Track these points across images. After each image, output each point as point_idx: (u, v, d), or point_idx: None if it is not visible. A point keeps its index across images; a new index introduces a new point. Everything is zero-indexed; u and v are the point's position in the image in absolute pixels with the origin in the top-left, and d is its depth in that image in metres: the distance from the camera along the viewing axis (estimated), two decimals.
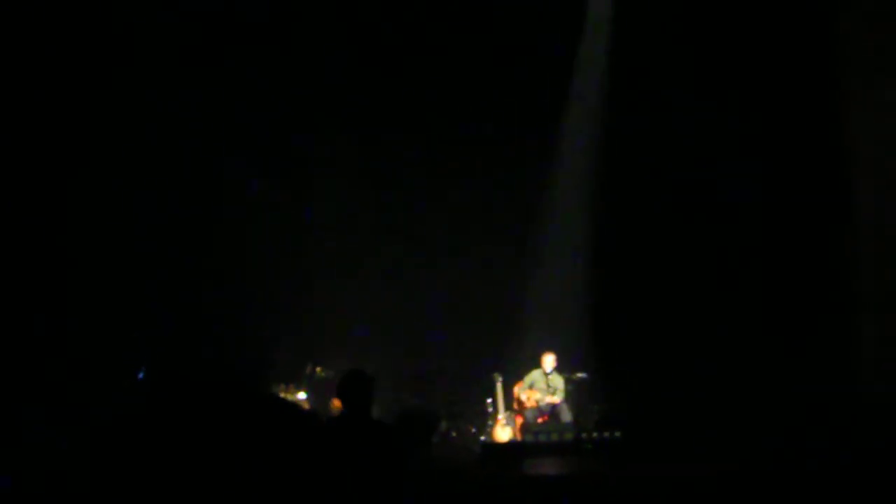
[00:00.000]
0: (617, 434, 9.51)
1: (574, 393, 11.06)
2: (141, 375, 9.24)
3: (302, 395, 10.51)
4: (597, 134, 11.97)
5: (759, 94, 10.74)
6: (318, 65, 11.51)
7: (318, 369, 11.04)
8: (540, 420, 10.73)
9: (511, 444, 10.38)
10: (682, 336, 10.75)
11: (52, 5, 9.91)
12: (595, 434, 9.58)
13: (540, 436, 10.01)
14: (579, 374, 11.11)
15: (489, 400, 11.09)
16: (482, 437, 11.01)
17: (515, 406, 11.01)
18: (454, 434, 11.24)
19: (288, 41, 11.31)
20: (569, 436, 9.83)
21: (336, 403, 10.64)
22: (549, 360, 11.03)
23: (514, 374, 11.15)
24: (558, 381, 10.97)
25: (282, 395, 10.33)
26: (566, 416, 10.69)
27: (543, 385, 10.97)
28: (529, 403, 10.89)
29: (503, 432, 10.69)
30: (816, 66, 10.36)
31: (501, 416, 10.80)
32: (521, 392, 11.01)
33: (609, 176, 11.77)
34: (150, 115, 10.42)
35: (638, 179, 11.44)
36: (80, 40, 10.10)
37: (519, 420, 10.86)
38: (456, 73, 11.56)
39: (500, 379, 10.94)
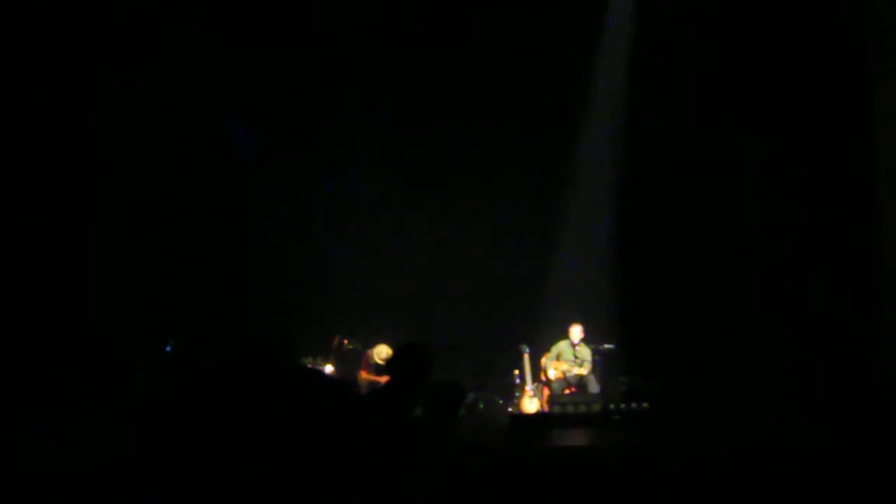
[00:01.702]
0: (644, 405, 9.51)
1: (601, 364, 11.04)
2: (169, 348, 9.35)
3: (329, 368, 10.57)
4: (625, 107, 11.92)
5: (783, 93, 10.67)
6: (338, 57, 11.51)
7: (345, 342, 11.08)
8: (567, 391, 10.73)
9: (538, 416, 10.37)
10: (711, 307, 10.72)
11: (52, 5, 9.95)
12: (622, 405, 9.57)
13: (567, 407, 10.00)
14: (606, 345, 11.08)
15: (516, 371, 11.09)
16: (509, 409, 11.02)
17: (542, 377, 11.00)
18: (481, 406, 11.26)
19: (300, 31, 11.34)
20: (596, 407, 9.82)
21: (364, 375, 10.71)
22: (576, 331, 11.00)
23: (541, 346, 11.14)
24: (585, 353, 10.95)
25: (310, 367, 10.39)
26: (593, 387, 10.66)
27: (570, 356, 10.96)
28: (557, 375, 10.89)
29: (530, 404, 10.70)
30: (842, 65, 10.25)
31: (528, 387, 10.80)
32: (549, 363, 11.01)
33: (635, 148, 11.69)
34: (178, 98, 10.52)
35: (663, 153, 11.36)
36: (81, 41, 10.15)
37: (546, 391, 10.86)
38: (478, 62, 11.55)
39: (527, 350, 10.92)
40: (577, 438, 8.87)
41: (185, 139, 10.83)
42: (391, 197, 11.99)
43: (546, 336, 11.26)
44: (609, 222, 11.98)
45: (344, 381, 9.09)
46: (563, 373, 10.88)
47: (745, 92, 10.82)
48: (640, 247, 11.53)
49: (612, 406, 9.59)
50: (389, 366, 4.65)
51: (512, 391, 11.15)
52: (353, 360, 11.01)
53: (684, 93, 11.08)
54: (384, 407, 4.45)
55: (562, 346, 11.03)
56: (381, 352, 10.59)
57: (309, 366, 10.40)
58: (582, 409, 9.86)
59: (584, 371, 10.82)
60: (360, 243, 11.86)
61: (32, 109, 9.99)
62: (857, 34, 10.05)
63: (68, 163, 10.37)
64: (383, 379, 10.64)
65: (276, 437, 4.14)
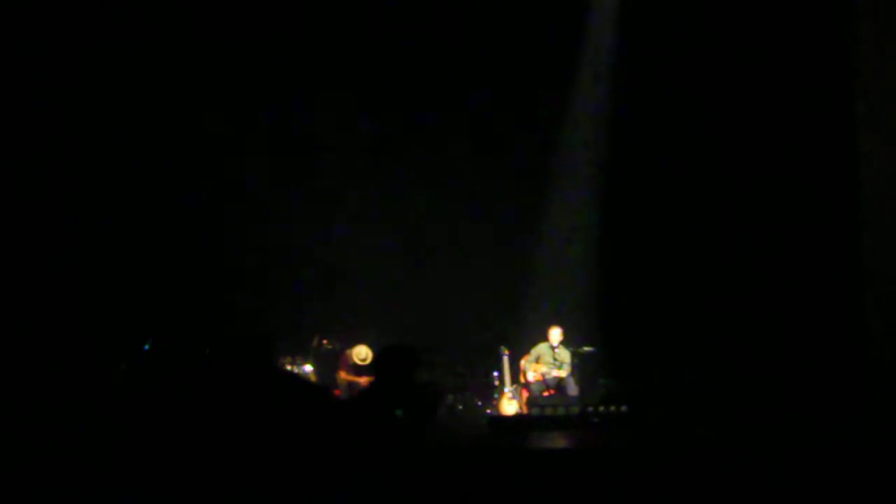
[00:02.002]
0: (623, 408, 9.52)
1: (580, 367, 11.06)
2: (146, 347, 9.29)
3: (308, 368, 10.54)
4: (603, 112, 11.92)
5: (769, 91, 10.70)
6: (326, 57, 11.45)
7: (324, 341, 11.05)
8: (546, 393, 10.73)
9: (517, 418, 10.38)
10: (689, 311, 10.75)
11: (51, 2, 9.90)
12: (601, 408, 9.58)
13: (546, 409, 10.00)
14: (586, 348, 11.10)
15: (495, 373, 11.09)
16: (488, 411, 11.01)
17: (522, 379, 11.01)
18: (460, 407, 11.25)
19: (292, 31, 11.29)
20: (575, 409, 9.82)
21: (342, 375, 10.68)
22: (555, 334, 11.01)
23: (521, 348, 11.14)
24: (565, 355, 10.96)
25: (288, 367, 10.36)
26: (572, 389, 10.68)
27: (550, 358, 10.96)
28: (536, 377, 10.90)
29: (509, 405, 10.70)
30: (829, 63, 10.29)
31: (507, 389, 10.80)
32: (528, 365, 11.01)
33: (615, 151, 11.72)
34: (160, 100, 10.47)
35: (644, 154, 11.40)
36: (81, 38, 10.09)
37: (525, 393, 10.86)
38: (461, 56, 11.52)
39: (506, 352, 10.92)
40: (555, 441, 8.87)
41: (167, 141, 10.77)
42: (372, 198, 11.97)
43: (526, 338, 11.26)
44: (589, 225, 12.00)
45: (320, 385, 9.09)
46: (543, 375, 10.89)
47: (727, 97, 10.86)
48: (621, 250, 11.55)
49: (590, 409, 9.60)
50: (374, 365, 4.67)
51: (491, 393, 11.15)
52: (332, 360, 10.99)
53: (665, 98, 11.11)
54: (369, 406, 4.46)
55: (541, 348, 11.03)
56: (360, 352, 10.58)
57: (288, 366, 10.38)
58: (561, 411, 9.84)
59: (563, 373, 10.83)
60: (340, 244, 11.82)
61: (17, 110, 9.94)
62: (844, 42, 10.09)
63: (53, 162, 10.31)
64: (362, 379, 10.63)
65: (250, 438, 4.12)
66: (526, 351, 11.12)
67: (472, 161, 11.95)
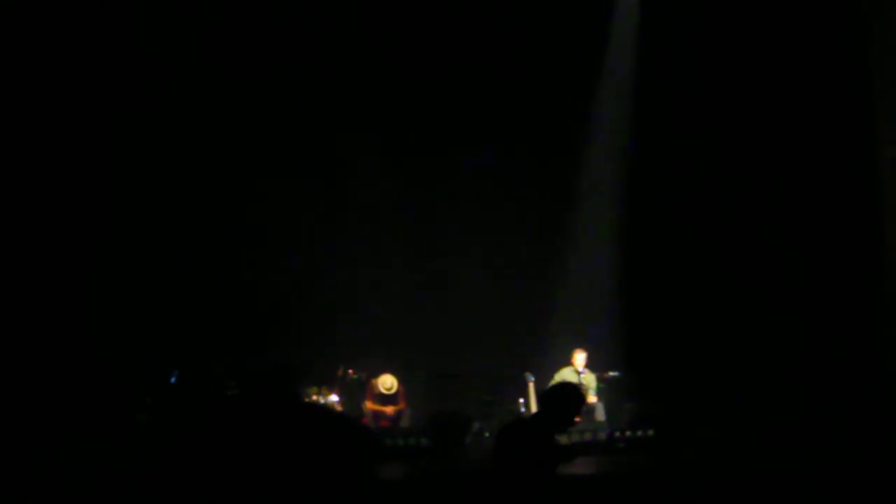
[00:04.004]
0: (650, 432, 9.48)
1: (607, 391, 11.01)
2: (173, 380, 9.34)
3: (334, 398, 10.54)
4: (627, 130, 11.95)
5: (790, 96, 10.68)
6: (345, 67, 11.52)
7: (350, 372, 11.05)
8: None
9: None
10: (715, 334, 10.70)
11: (63, 9, 10.05)
12: (628, 433, 9.54)
13: (573, 435, 9.96)
14: (612, 373, 11.05)
15: (521, 399, 11.04)
16: None
17: None
18: (487, 434, 11.20)
19: (312, 44, 11.37)
20: (602, 435, 9.78)
21: (369, 405, 10.67)
22: (580, 357, 10.98)
23: (546, 373, 11.10)
24: (591, 380, 10.93)
25: (314, 397, 10.37)
26: (599, 414, 10.63)
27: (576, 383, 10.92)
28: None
29: None
30: (848, 67, 10.27)
31: None
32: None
33: (640, 173, 11.72)
34: (173, 111, 10.57)
35: (668, 177, 11.40)
36: (97, 44, 10.23)
37: None
38: (486, 70, 11.58)
39: (531, 378, 10.88)
40: (582, 466, 8.83)
41: (187, 166, 10.88)
42: (396, 227, 12.00)
43: (551, 363, 11.24)
44: (612, 249, 11.98)
45: (350, 416, 9.08)
46: None
47: (746, 110, 10.85)
48: (645, 273, 11.53)
49: (617, 434, 9.56)
50: (541, 398, 5.11)
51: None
52: (358, 389, 10.99)
53: (684, 117, 11.12)
54: (532, 434, 4.95)
55: (566, 373, 10.99)
56: (386, 381, 10.58)
57: (314, 396, 10.39)
58: (587, 436, 9.81)
59: (590, 399, 10.78)
60: (364, 274, 11.86)
61: (47, 111, 10.08)
62: (867, 36, 10.07)
63: (81, 190, 10.45)
64: (388, 408, 10.62)
65: (277, 469, 4.14)
66: (551, 376, 11.08)
67: (497, 186, 11.98)
